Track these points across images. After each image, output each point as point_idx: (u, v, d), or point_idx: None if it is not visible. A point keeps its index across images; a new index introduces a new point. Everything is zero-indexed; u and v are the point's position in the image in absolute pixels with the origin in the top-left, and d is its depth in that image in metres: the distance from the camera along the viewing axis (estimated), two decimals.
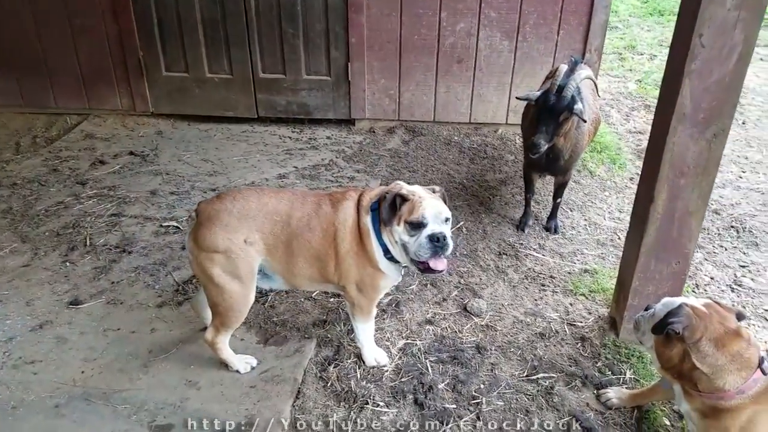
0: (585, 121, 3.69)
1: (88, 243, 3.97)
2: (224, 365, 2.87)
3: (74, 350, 3.03)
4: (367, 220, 2.64)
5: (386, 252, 2.66)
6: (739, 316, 2.23)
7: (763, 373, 2.12)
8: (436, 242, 2.50)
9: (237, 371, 2.86)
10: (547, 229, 4.33)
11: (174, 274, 3.65)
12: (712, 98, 2.58)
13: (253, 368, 2.90)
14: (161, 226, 4.21)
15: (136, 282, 3.59)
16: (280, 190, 2.79)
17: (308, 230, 2.64)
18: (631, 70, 8.19)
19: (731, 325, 2.17)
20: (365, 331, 2.90)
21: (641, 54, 8.95)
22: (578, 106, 3.54)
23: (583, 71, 3.69)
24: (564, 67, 3.64)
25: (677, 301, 2.27)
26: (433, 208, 2.54)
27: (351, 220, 2.65)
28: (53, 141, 5.76)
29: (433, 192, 2.68)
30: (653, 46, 9.31)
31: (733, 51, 2.49)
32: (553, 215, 4.34)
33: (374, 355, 2.97)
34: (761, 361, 2.14)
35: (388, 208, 2.54)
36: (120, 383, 2.83)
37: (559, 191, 4.26)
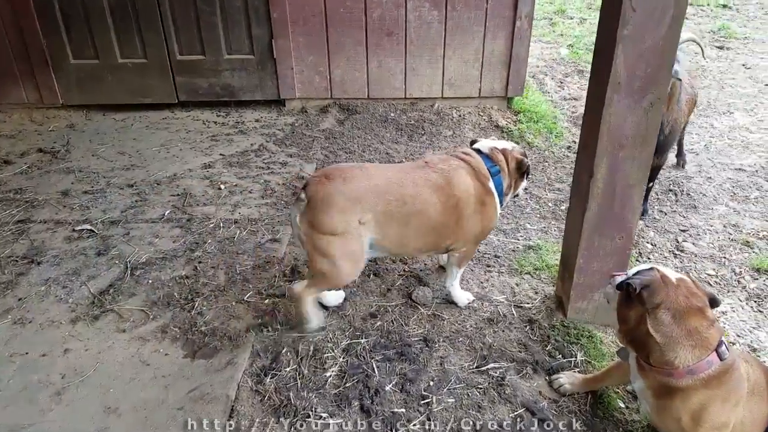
0: (679, 80, 3.55)
1: None
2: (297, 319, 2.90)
3: None
4: (492, 184, 2.94)
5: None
6: (713, 302, 2.13)
7: (720, 358, 2.03)
8: None
9: (309, 326, 2.89)
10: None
11: (89, 285, 3.32)
12: (647, 65, 2.46)
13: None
14: (74, 230, 3.85)
15: (46, 296, 3.25)
16: (384, 167, 3.00)
17: (426, 205, 2.75)
18: (562, 35, 8.13)
19: (697, 303, 2.08)
20: (459, 276, 3.14)
21: (571, 18, 8.92)
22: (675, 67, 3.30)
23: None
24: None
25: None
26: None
27: (472, 187, 2.86)
28: None
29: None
30: (582, 9, 9.31)
31: (665, 13, 2.37)
32: (645, 199, 4.13)
33: (465, 294, 3.20)
34: (720, 344, 2.05)
35: (525, 171, 3.09)
36: (29, 417, 2.51)
37: (652, 175, 4.04)
